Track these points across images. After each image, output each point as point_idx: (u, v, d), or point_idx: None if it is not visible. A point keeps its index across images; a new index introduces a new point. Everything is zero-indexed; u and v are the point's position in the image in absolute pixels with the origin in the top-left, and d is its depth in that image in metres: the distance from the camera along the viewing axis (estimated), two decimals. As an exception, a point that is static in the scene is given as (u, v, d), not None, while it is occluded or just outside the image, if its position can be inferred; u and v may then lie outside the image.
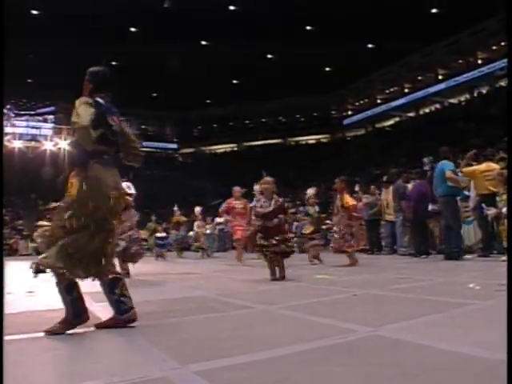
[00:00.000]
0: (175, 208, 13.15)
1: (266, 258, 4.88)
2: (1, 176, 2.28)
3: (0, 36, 3.21)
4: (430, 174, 9.22)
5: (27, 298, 4.05)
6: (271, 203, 4.79)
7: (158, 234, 12.61)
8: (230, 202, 8.65)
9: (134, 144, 2.76)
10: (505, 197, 6.12)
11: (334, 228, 7.07)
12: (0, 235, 2.82)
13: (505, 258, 5.67)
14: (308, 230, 7.90)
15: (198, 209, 12.86)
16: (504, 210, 5.98)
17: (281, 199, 4.93)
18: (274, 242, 4.72)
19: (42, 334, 2.36)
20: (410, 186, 8.93)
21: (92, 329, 2.51)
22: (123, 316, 2.47)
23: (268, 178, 4.98)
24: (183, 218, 13.37)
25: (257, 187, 6.05)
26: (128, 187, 5.78)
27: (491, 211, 6.50)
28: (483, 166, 7.21)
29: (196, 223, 12.96)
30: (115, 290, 2.46)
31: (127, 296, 2.50)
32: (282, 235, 4.83)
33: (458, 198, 7.58)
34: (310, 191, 8.07)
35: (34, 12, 24.89)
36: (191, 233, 13.97)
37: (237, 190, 8.68)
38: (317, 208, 7.85)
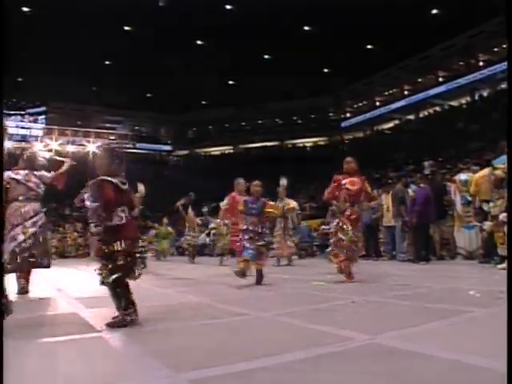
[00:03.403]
0: (189, 210, 12.15)
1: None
2: (1, 175, 2.31)
3: (0, 36, 3.24)
4: (431, 177, 9.28)
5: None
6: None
7: None
8: (234, 197, 7.06)
9: None
10: (499, 202, 6.03)
11: (345, 227, 5.23)
12: (0, 236, 2.88)
13: (503, 265, 5.66)
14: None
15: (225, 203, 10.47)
16: (502, 216, 5.85)
17: (110, 179, 2.91)
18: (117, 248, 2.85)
19: (37, 340, 2.36)
20: (410, 190, 8.96)
21: (86, 335, 2.51)
22: None
23: (102, 151, 3.19)
24: (198, 221, 12.82)
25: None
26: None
27: (486, 226, 6.50)
28: (485, 171, 7.24)
29: (218, 221, 10.91)
30: None
31: None
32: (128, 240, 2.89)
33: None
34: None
35: (26, 9, 24.87)
36: (202, 235, 13.53)
37: (241, 182, 7.05)
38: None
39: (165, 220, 13.59)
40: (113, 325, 2.72)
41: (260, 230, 5.25)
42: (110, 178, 2.91)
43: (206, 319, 2.92)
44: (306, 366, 1.76)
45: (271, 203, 5.67)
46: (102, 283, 2.82)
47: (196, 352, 2.06)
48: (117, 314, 2.80)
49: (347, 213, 5.21)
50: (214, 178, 29.21)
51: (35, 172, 4.88)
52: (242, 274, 5.13)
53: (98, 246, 2.94)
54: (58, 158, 5.45)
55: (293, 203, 9.35)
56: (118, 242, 2.84)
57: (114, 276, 2.79)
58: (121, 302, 2.81)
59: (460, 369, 1.64)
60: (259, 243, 5.19)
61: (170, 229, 13.66)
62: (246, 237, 5.23)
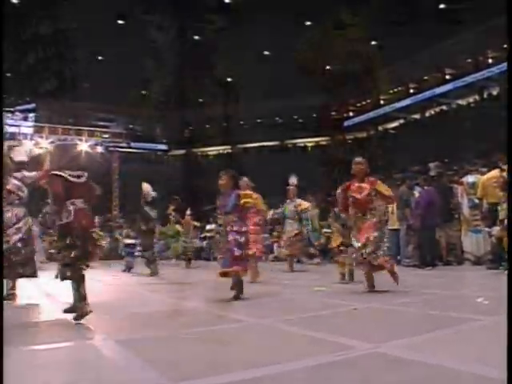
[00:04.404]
0: (188, 212, 12.25)
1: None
2: (1, 176, 2.33)
3: (0, 35, 3.25)
4: (437, 179, 9.26)
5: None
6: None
7: (127, 241, 11.34)
8: None
9: None
10: (505, 205, 5.99)
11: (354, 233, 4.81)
12: (0, 234, 2.97)
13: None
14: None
15: None
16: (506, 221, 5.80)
17: (57, 173, 3.17)
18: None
19: (26, 347, 2.35)
20: (415, 192, 8.95)
21: (76, 342, 2.51)
22: None
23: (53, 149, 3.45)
24: (195, 223, 12.67)
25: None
26: None
27: (495, 231, 6.49)
28: (492, 173, 7.25)
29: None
30: None
31: None
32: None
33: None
34: None
35: (14, 0, 24.85)
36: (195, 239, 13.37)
37: (245, 180, 6.62)
38: None
39: (172, 218, 13.49)
40: (66, 310, 3.18)
41: (237, 229, 4.37)
42: (57, 172, 3.13)
43: (203, 326, 2.91)
44: (307, 375, 1.75)
45: (244, 192, 4.85)
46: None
47: (192, 361, 2.05)
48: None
49: (359, 225, 4.74)
50: (211, 179, 29.22)
51: (15, 174, 4.59)
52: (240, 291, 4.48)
53: (51, 241, 3.29)
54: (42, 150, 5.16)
55: (305, 204, 8.84)
56: (67, 239, 3.06)
57: (64, 271, 3.14)
58: (73, 294, 3.14)
59: (465, 378, 1.64)
60: (238, 245, 4.31)
61: (177, 227, 13.47)
62: (226, 244, 4.38)
